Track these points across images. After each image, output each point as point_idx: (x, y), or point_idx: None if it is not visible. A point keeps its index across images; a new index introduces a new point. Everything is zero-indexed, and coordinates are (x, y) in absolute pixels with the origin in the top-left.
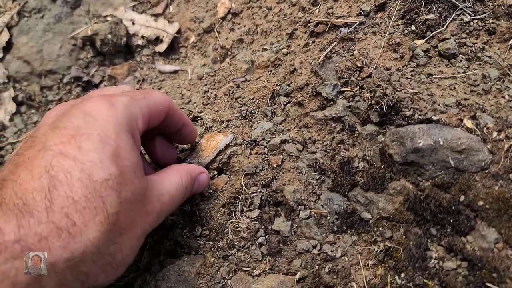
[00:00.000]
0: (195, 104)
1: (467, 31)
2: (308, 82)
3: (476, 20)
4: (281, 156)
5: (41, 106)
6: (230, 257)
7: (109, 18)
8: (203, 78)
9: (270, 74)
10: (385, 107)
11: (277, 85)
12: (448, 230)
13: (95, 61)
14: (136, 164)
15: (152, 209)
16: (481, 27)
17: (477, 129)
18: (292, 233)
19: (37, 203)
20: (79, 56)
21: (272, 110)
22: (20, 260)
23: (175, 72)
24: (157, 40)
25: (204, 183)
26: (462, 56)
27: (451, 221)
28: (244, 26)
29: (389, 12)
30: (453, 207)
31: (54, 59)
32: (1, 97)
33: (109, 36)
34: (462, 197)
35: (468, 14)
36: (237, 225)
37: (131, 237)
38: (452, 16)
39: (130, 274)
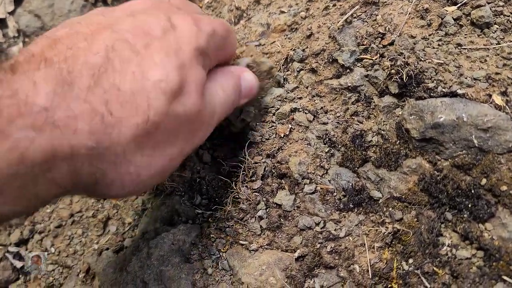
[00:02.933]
0: None
1: None
2: (325, 47)
3: None
4: (290, 126)
5: None
6: (227, 229)
7: None
8: None
9: (285, 38)
10: (406, 77)
11: (291, 50)
12: (465, 215)
13: None
14: (201, 80)
15: (200, 130)
16: None
17: (506, 107)
18: (295, 208)
19: (81, 77)
20: None
21: (284, 76)
22: (39, 133)
23: None
24: None
25: (252, 83)
26: (497, 26)
27: (469, 206)
28: None
29: None
30: (472, 191)
31: (65, 14)
32: (10, 51)
33: None
34: (484, 181)
35: None
36: (236, 196)
37: (165, 155)
38: None
39: (125, 239)
